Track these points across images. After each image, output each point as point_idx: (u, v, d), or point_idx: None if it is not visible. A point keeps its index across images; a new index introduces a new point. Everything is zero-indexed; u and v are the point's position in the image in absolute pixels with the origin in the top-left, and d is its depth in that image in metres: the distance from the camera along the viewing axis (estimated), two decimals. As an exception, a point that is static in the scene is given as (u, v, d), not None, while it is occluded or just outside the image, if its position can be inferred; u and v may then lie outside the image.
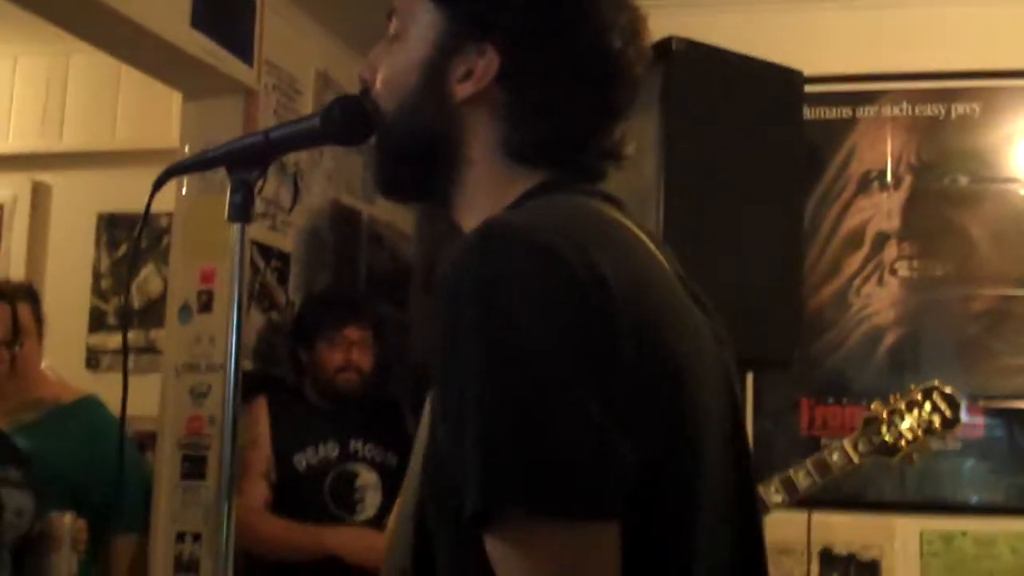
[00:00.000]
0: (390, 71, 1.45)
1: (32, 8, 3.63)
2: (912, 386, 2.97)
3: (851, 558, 3.87)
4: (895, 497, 3.89)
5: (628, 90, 1.41)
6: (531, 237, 1.19)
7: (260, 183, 1.67)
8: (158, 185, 1.69)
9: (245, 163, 1.65)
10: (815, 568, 3.87)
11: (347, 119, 1.51)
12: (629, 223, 1.35)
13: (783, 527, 3.85)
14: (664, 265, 1.35)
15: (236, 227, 1.70)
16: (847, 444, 2.91)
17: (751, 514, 1.37)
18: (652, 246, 1.35)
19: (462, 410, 1.14)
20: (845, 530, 3.90)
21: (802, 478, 2.89)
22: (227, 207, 1.67)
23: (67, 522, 3.18)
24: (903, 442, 2.92)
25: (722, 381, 1.35)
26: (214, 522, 3.84)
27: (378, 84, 1.46)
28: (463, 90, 1.38)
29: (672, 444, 1.21)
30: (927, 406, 2.94)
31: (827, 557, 3.88)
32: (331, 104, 1.54)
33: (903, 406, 2.95)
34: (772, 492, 2.89)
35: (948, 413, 2.94)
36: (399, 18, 1.46)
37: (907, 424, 2.92)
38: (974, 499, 3.88)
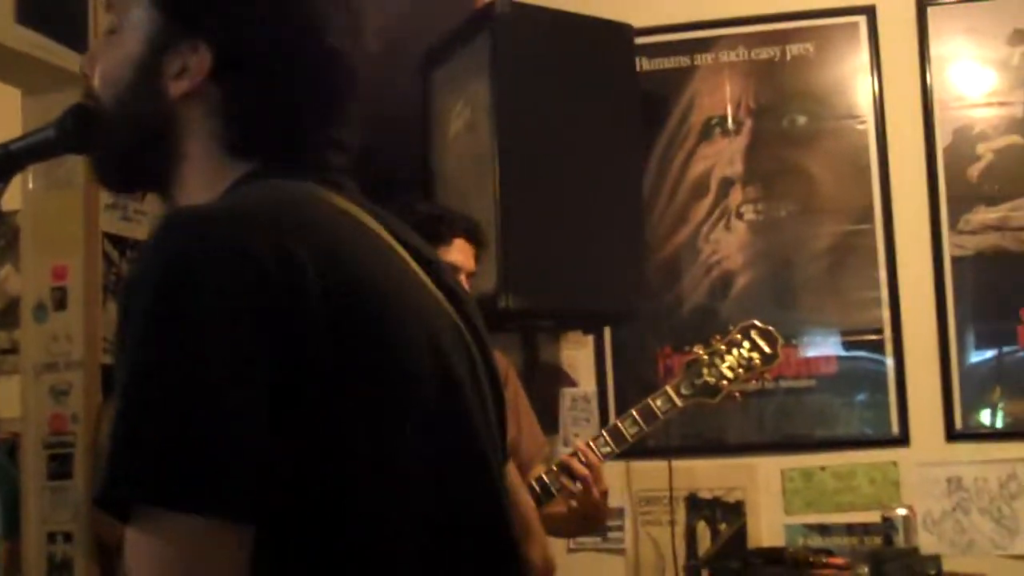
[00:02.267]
0: (106, 66, 1.44)
1: None
2: (730, 327, 3.01)
3: (716, 501, 3.93)
4: (755, 438, 3.95)
5: (344, 82, 1.42)
6: (211, 225, 1.20)
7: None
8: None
9: None
10: (681, 514, 3.93)
11: (81, 129, 1.49)
12: (345, 205, 1.35)
13: (646, 476, 3.91)
14: (385, 245, 1.35)
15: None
16: (670, 388, 2.95)
17: (487, 500, 1.37)
18: (374, 226, 1.36)
19: (118, 395, 1.15)
20: (708, 474, 3.95)
21: (628, 426, 2.92)
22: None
23: None
24: (724, 382, 2.96)
25: (464, 361, 1.37)
26: (84, 520, 3.84)
27: (95, 79, 1.45)
28: (178, 87, 1.37)
29: (370, 433, 1.22)
30: (746, 344, 2.98)
31: (693, 502, 3.94)
32: (64, 115, 1.52)
33: (723, 347, 2.98)
34: (601, 444, 2.92)
35: (767, 349, 2.98)
36: (116, 12, 1.45)
37: (727, 364, 2.96)
38: (831, 434, 3.95)
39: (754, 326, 2.98)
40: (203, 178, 1.38)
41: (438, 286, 1.40)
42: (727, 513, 3.92)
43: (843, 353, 3.96)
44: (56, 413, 3.90)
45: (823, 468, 3.89)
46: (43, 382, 3.91)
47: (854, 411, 3.94)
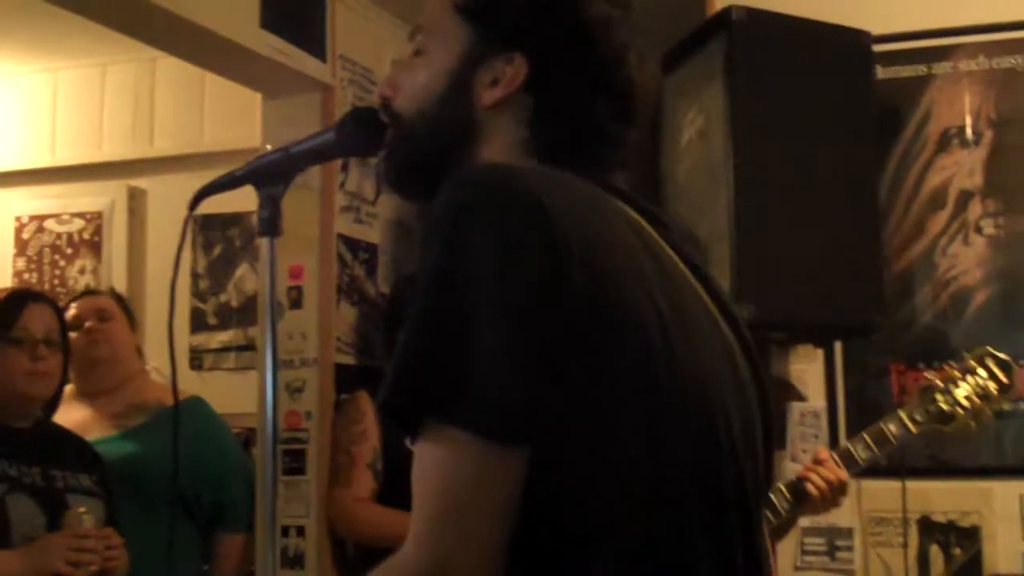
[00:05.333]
0: (414, 83, 1.53)
1: (111, 24, 3.73)
2: (964, 353, 2.92)
3: (950, 525, 3.80)
4: (992, 462, 3.80)
5: (633, 107, 1.50)
6: (503, 177, 1.31)
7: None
8: (193, 206, 1.77)
9: (270, 179, 1.72)
10: (913, 536, 3.82)
11: (361, 131, 1.60)
12: (623, 206, 1.42)
13: (878, 496, 3.81)
14: (659, 248, 1.40)
15: (265, 241, 1.76)
16: (903, 414, 2.89)
17: (748, 475, 1.39)
18: (649, 229, 1.41)
19: (412, 317, 1.26)
20: (942, 497, 3.83)
21: (860, 450, 2.87)
22: (256, 221, 1.74)
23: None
24: (959, 410, 2.88)
25: (730, 372, 1.40)
26: (316, 515, 3.94)
27: (400, 97, 1.54)
28: (491, 95, 1.47)
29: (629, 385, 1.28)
30: (982, 372, 2.89)
31: (926, 525, 3.82)
32: (344, 117, 1.62)
33: (958, 373, 2.90)
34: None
35: (1003, 378, 2.89)
36: (424, 35, 1.54)
37: (963, 391, 2.88)
38: (1075, 459, 3.77)
39: (989, 353, 2.90)
40: None
41: (712, 299, 1.42)
42: (962, 538, 3.79)
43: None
44: (291, 410, 4.02)
45: (1066, 494, 3.73)
46: (279, 378, 4.02)
47: (1100, 436, 3.76)
